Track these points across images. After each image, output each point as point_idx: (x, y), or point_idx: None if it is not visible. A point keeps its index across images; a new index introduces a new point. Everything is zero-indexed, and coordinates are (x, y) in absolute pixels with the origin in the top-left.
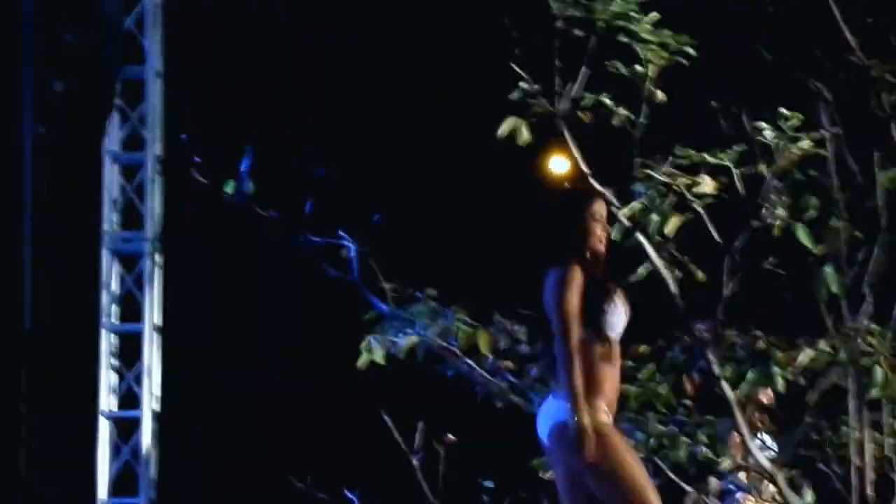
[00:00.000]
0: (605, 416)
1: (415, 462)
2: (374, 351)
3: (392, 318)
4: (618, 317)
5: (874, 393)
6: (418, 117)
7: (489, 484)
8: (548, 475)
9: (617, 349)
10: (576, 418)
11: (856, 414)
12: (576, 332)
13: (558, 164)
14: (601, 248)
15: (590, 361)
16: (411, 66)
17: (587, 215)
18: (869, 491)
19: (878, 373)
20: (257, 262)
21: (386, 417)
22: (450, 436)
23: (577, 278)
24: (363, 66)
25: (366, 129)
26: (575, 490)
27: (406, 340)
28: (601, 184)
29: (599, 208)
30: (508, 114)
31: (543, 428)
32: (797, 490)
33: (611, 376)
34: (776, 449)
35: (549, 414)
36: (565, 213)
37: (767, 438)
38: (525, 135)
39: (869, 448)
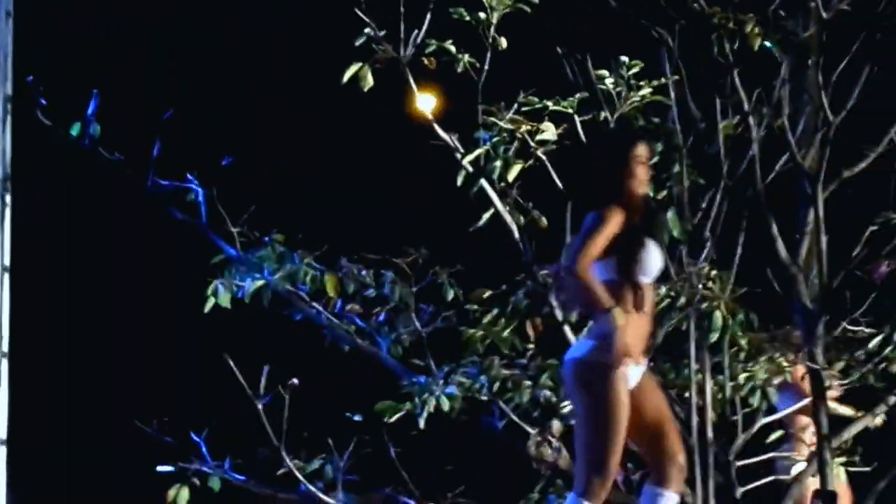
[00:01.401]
0: (630, 365)
1: (259, 406)
2: (220, 295)
3: (239, 262)
4: (651, 262)
5: (714, 336)
6: (266, 60)
7: (358, 417)
8: (392, 419)
9: (650, 294)
10: (610, 322)
11: (696, 356)
12: (588, 267)
13: (425, 103)
14: (643, 190)
15: (630, 307)
16: (259, 11)
17: (631, 157)
18: (709, 430)
19: (718, 317)
20: (106, 204)
21: (230, 361)
22: (294, 380)
23: (611, 226)
24: (211, 8)
25: (213, 72)
26: None
27: (252, 284)
28: (445, 130)
29: (643, 150)
30: (353, 59)
31: (565, 363)
32: None
33: (643, 322)
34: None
35: (572, 349)
36: (610, 154)
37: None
38: (369, 80)
39: (709, 389)
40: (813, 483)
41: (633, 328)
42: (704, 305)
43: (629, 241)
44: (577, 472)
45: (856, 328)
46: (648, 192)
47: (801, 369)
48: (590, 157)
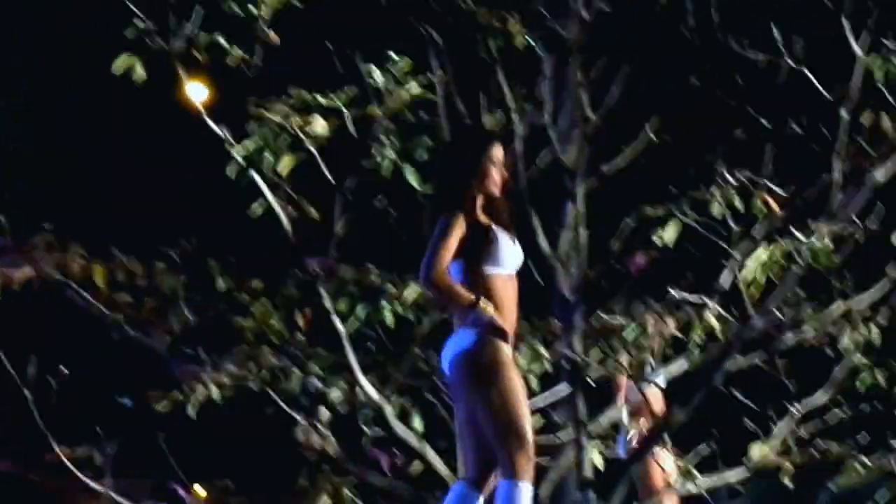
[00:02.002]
0: (506, 348)
1: (28, 394)
2: None
3: (8, 250)
4: (505, 255)
5: None
6: (44, 53)
7: (127, 402)
8: (162, 406)
9: (511, 284)
10: (480, 313)
11: None
12: (442, 273)
13: (195, 95)
14: (496, 191)
15: (487, 298)
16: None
17: (485, 159)
18: None
19: None
20: None
21: None
22: (63, 368)
23: (456, 230)
24: None
25: None
26: (470, 429)
27: (21, 272)
28: (216, 122)
29: (496, 152)
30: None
31: (447, 361)
32: (408, 418)
33: (508, 311)
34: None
35: (452, 345)
36: (463, 157)
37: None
38: (140, 72)
39: None
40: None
41: (503, 317)
42: None
43: (475, 239)
44: (500, 457)
45: (612, 319)
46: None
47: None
48: (443, 158)
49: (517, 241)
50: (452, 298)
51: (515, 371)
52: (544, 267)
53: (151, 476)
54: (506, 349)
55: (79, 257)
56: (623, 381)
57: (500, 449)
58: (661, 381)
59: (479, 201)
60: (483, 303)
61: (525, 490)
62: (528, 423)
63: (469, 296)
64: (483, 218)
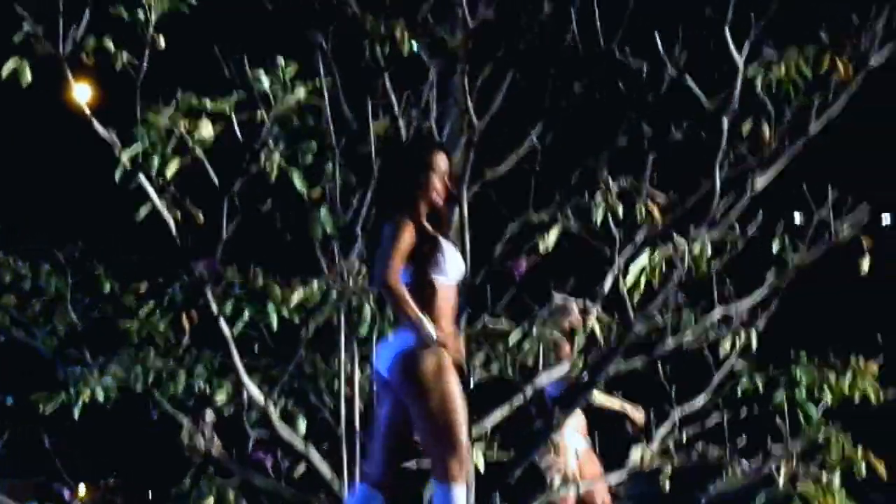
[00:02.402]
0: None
1: None
2: None
3: None
4: (450, 265)
5: (363, 330)
6: None
7: (9, 401)
8: (49, 408)
9: (453, 293)
10: (423, 333)
11: (346, 348)
12: (397, 280)
13: (84, 93)
14: (439, 200)
15: (429, 305)
16: None
17: (427, 167)
18: (356, 418)
19: (367, 310)
20: None
21: None
22: None
23: (405, 235)
24: None
25: None
26: (392, 430)
27: None
28: (104, 126)
29: (440, 161)
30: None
31: (385, 361)
32: (292, 420)
33: (447, 317)
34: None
35: (391, 346)
36: (406, 164)
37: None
38: (28, 75)
39: (357, 380)
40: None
41: (444, 322)
42: (354, 300)
43: (428, 248)
44: (434, 461)
45: (495, 323)
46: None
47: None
48: (387, 166)
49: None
50: (402, 309)
51: (456, 377)
52: None
53: (35, 476)
54: (447, 355)
55: None
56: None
57: (435, 452)
58: (551, 387)
59: (423, 210)
60: (427, 320)
61: (459, 493)
62: (464, 430)
63: (417, 314)
64: (427, 226)
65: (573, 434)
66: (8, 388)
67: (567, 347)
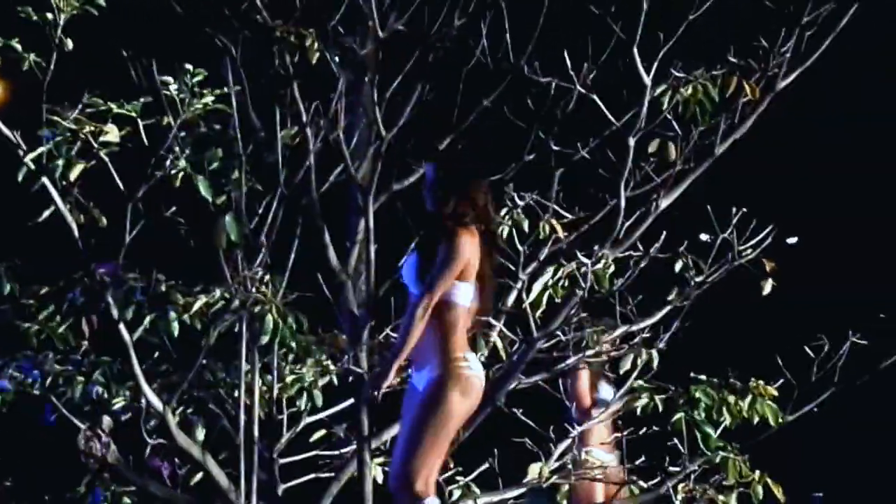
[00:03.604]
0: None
1: None
2: None
3: None
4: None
5: (265, 339)
6: None
7: None
8: None
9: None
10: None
11: (247, 357)
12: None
13: None
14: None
15: (454, 326)
16: None
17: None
18: (255, 428)
19: (269, 319)
20: None
21: None
22: None
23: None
24: None
25: None
26: None
27: None
28: (8, 127)
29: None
30: None
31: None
32: (190, 428)
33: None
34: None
35: (433, 366)
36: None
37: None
38: None
39: (257, 389)
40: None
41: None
42: (257, 308)
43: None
44: (404, 471)
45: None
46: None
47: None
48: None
49: None
50: (412, 333)
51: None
52: (333, 281)
53: None
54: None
55: None
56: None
57: (410, 462)
58: None
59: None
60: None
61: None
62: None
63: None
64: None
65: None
66: None
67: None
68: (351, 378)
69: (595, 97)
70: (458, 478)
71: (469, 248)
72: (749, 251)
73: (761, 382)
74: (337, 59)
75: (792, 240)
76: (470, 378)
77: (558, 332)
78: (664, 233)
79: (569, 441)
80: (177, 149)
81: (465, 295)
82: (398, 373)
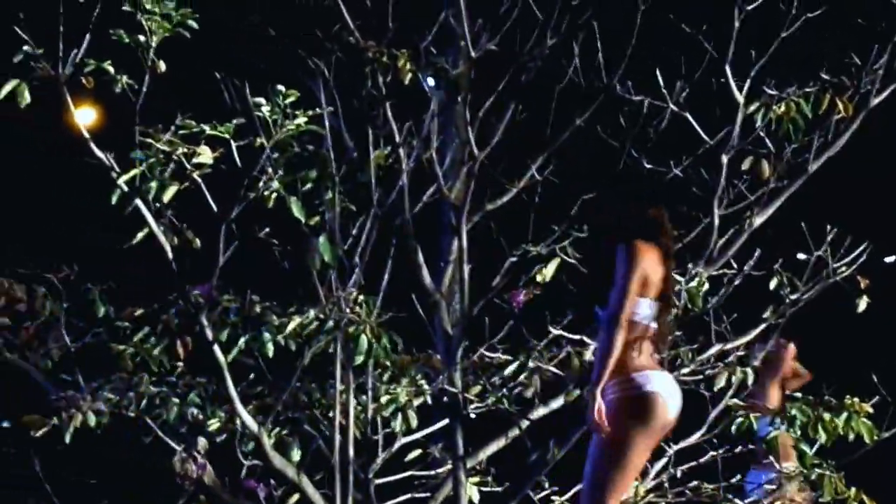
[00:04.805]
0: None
1: None
2: None
3: None
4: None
5: (359, 359)
6: None
7: (6, 424)
8: (39, 433)
9: None
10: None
11: (342, 377)
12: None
13: (84, 115)
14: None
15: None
16: None
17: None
18: (350, 448)
19: (364, 340)
20: None
21: None
22: None
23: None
24: None
25: None
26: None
27: None
28: (102, 149)
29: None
30: (11, 76)
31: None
32: (286, 449)
33: None
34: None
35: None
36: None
37: None
38: (26, 97)
39: (352, 409)
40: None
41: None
42: (351, 329)
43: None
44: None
45: (492, 354)
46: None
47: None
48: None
49: None
50: (609, 355)
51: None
52: (427, 301)
53: (24, 501)
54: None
55: None
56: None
57: (594, 489)
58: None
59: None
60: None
61: None
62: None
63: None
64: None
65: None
66: (2, 412)
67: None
68: (445, 398)
69: (688, 115)
70: (553, 497)
71: (646, 261)
72: (844, 269)
73: (856, 400)
74: (429, 79)
75: (890, 259)
76: (646, 398)
77: None
78: (758, 250)
79: (665, 460)
80: (269, 170)
81: (643, 311)
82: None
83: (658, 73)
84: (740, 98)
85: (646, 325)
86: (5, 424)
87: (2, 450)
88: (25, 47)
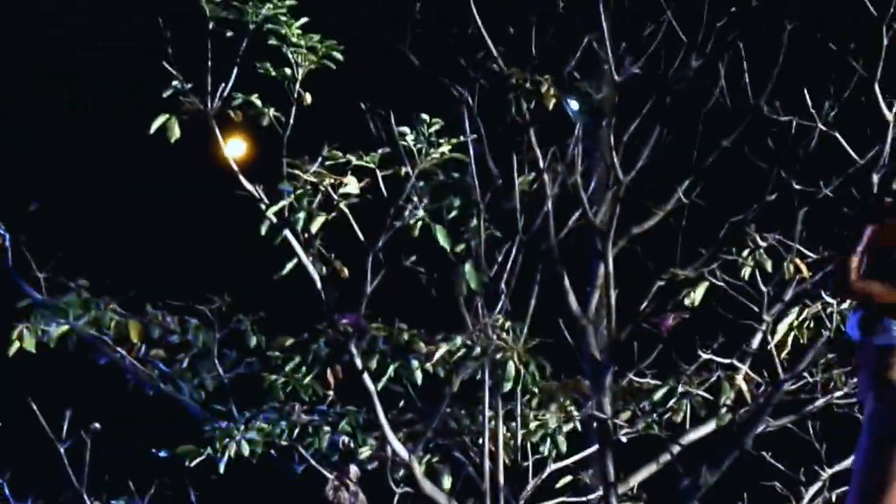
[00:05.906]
0: None
1: (61, 449)
2: (24, 339)
3: (44, 306)
4: None
5: (507, 385)
6: (77, 109)
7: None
8: (194, 462)
9: None
10: None
11: (490, 403)
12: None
13: (234, 148)
14: None
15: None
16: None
17: None
18: (501, 475)
19: (511, 366)
20: None
21: (33, 404)
22: (96, 424)
23: None
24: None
25: (23, 119)
26: None
27: (57, 329)
28: (250, 181)
29: None
30: (161, 111)
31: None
32: (436, 476)
33: None
34: None
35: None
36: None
37: None
38: (176, 131)
39: (501, 435)
40: None
41: None
42: (499, 355)
43: None
44: None
45: (641, 380)
46: None
47: None
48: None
49: None
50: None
51: None
52: (574, 327)
53: None
54: None
55: (113, 313)
56: None
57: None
58: None
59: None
60: None
61: None
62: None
63: None
64: None
65: None
66: (156, 447)
67: None
68: (595, 423)
69: (837, 135)
70: None
71: None
72: None
73: None
74: (573, 104)
75: None
76: None
77: (805, 374)
78: None
79: (819, 484)
80: (415, 198)
81: None
82: None
83: (806, 92)
84: (890, 116)
85: None
86: (162, 454)
87: (158, 480)
88: (174, 82)
